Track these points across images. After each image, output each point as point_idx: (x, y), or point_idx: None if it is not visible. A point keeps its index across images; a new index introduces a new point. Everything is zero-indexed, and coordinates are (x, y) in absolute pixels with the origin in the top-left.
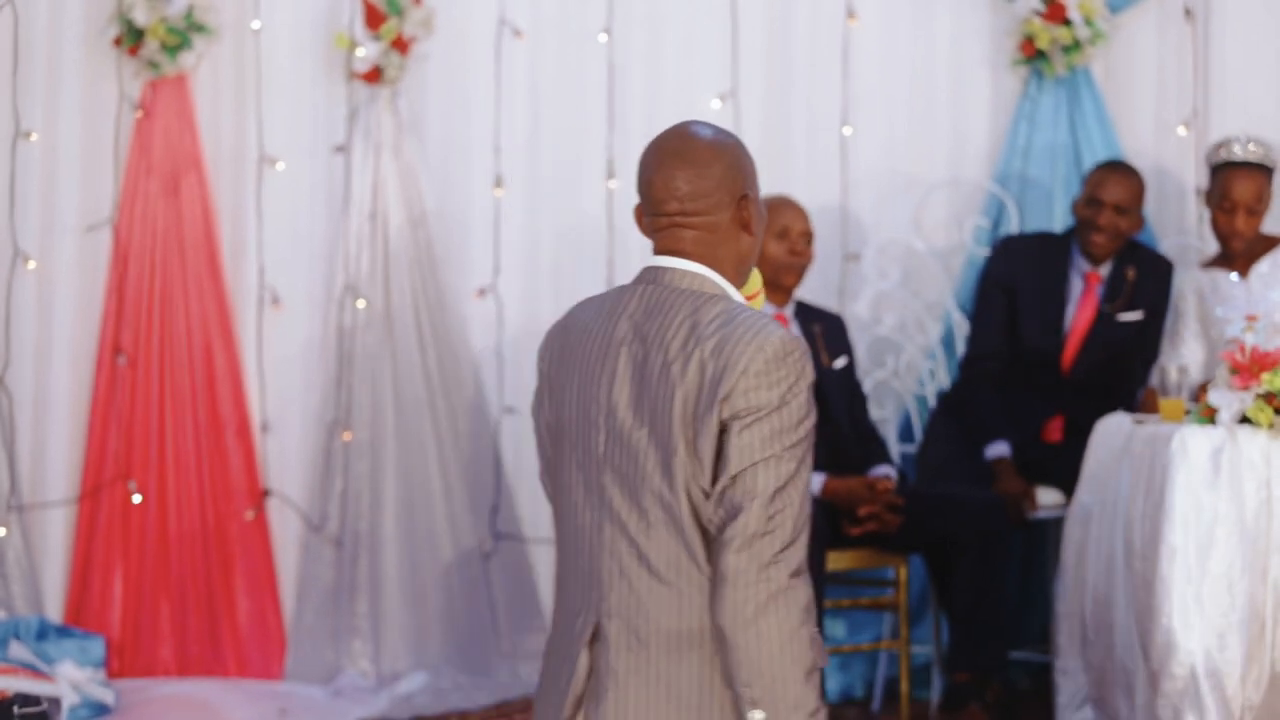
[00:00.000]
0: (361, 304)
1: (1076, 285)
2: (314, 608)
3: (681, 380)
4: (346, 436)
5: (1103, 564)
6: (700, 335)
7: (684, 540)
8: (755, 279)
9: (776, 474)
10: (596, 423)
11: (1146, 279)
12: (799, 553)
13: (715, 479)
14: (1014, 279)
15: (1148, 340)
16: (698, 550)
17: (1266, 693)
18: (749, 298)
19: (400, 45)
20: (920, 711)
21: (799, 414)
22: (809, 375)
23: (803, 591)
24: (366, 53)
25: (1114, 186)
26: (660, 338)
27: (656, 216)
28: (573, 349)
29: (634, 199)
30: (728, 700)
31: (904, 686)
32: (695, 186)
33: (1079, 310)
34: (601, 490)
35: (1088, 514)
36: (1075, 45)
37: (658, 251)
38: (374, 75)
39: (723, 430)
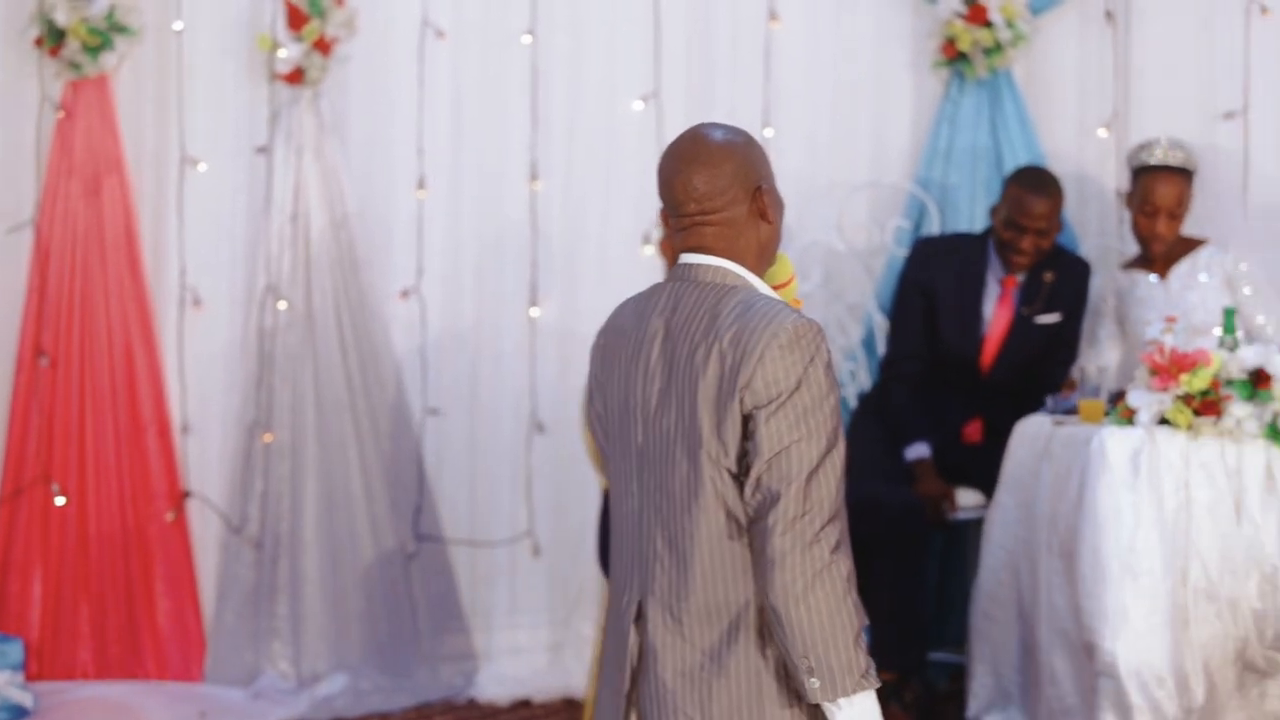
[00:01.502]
0: (283, 305)
1: (993, 289)
2: (234, 609)
3: (704, 369)
4: (267, 438)
5: (1023, 565)
6: (720, 325)
7: (711, 521)
8: (786, 267)
9: (808, 455)
10: (634, 416)
11: (1064, 281)
12: (837, 527)
13: (740, 462)
14: (932, 282)
15: (1065, 341)
16: (725, 529)
17: (1193, 684)
18: (780, 285)
19: (322, 46)
20: None
21: (819, 393)
22: (825, 355)
23: (844, 563)
24: (288, 54)
25: (1034, 209)
26: (685, 330)
27: (679, 217)
28: (613, 348)
29: (555, 199)
30: (762, 664)
31: None
32: (711, 186)
33: (996, 313)
34: (640, 478)
35: (1008, 515)
36: (996, 47)
37: (683, 249)
38: (296, 76)
39: (748, 418)
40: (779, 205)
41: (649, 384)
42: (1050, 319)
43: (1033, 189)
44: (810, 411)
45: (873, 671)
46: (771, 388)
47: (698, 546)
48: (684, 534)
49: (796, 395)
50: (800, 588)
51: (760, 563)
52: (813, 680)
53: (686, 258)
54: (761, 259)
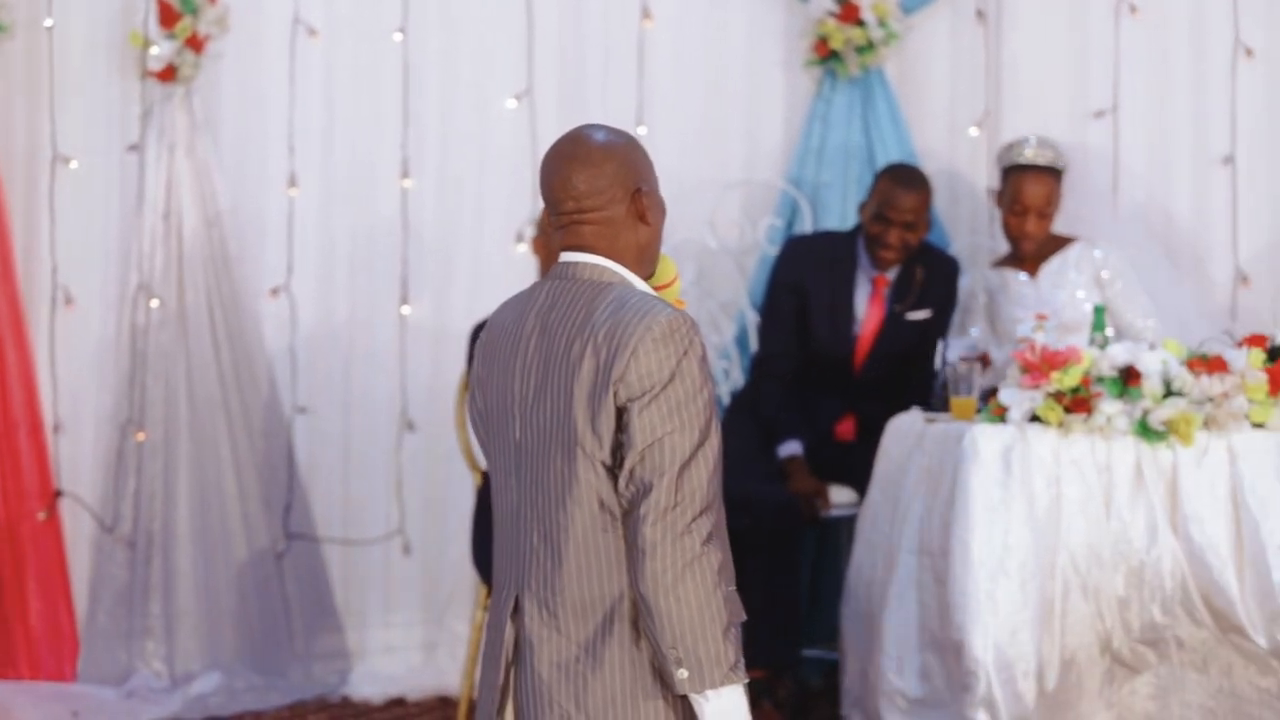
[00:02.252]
0: (155, 303)
1: (864, 287)
2: (106, 609)
3: (579, 364)
4: (140, 436)
5: (895, 562)
6: (595, 321)
7: (586, 515)
8: (669, 268)
9: (681, 447)
10: (512, 412)
11: (934, 278)
12: (710, 519)
13: (616, 456)
14: (803, 280)
15: (935, 338)
16: (599, 523)
17: (1057, 683)
18: (662, 286)
19: (195, 44)
20: None
21: (693, 386)
22: (699, 349)
23: (715, 556)
24: (161, 51)
25: (902, 203)
26: (561, 327)
27: (558, 215)
28: (493, 345)
29: (426, 196)
30: (637, 656)
31: None
32: (590, 185)
33: (869, 311)
34: (519, 474)
35: (880, 512)
36: (869, 46)
37: (562, 248)
38: (168, 74)
39: (622, 411)
40: (659, 208)
41: (526, 380)
42: (921, 315)
43: (901, 183)
44: (683, 404)
45: (741, 665)
46: (645, 380)
47: (573, 540)
48: (559, 528)
49: (670, 388)
50: (670, 578)
51: (632, 553)
52: (680, 671)
53: (565, 256)
54: (641, 260)
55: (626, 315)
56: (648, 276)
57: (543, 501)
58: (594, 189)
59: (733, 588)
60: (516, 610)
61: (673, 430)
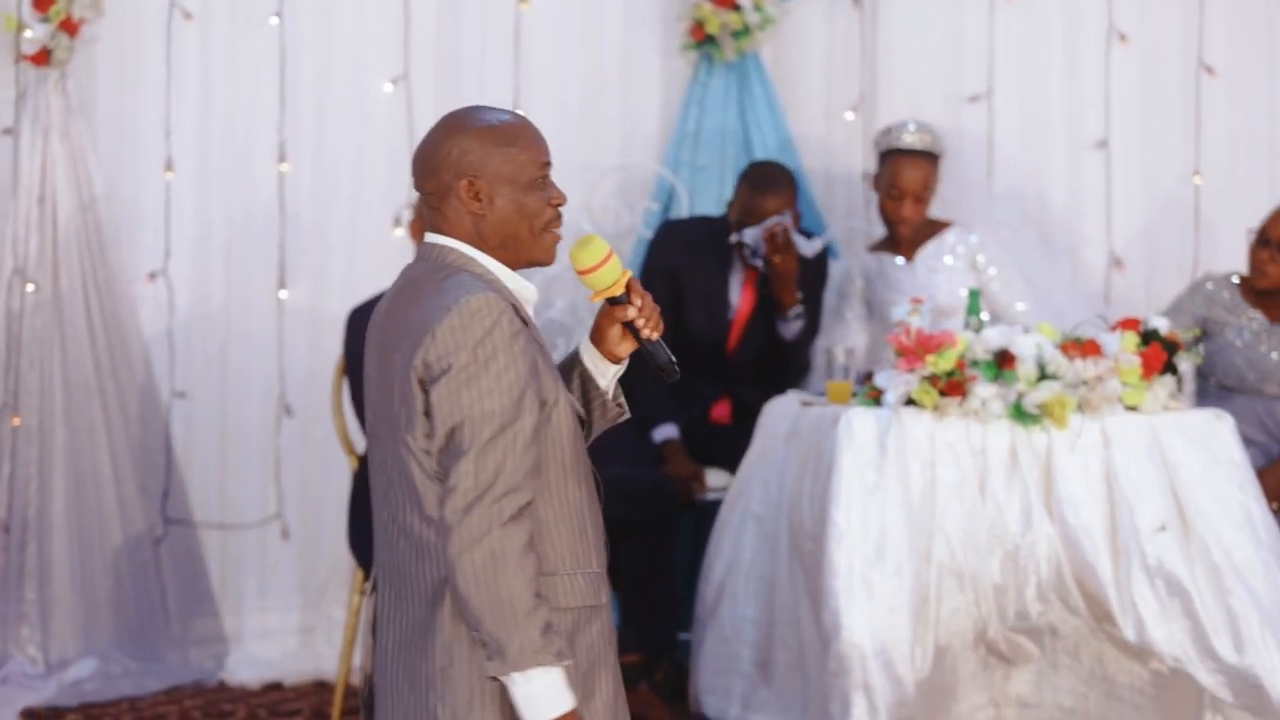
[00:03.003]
0: (30, 288)
1: (738, 271)
2: None
3: (397, 347)
4: (15, 421)
5: (767, 545)
6: (418, 304)
7: (416, 497)
8: (592, 251)
9: (481, 429)
10: (367, 397)
11: (803, 262)
12: (516, 498)
13: (430, 438)
14: (678, 266)
15: (807, 319)
16: (424, 504)
17: (932, 667)
18: (592, 268)
19: (69, 27)
20: None
21: (496, 367)
22: (505, 329)
23: (519, 535)
24: (35, 34)
25: (764, 208)
26: (398, 310)
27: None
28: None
29: (303, 181)
30: (456, 636)
31: None
32: (424, 165)
33: (742, 295)
34: (372, 456)
35: (753, 494)
36: (745, 30)
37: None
38: (42, 57)
39: (427, 392)
40: (510, 204)
41: (370, 363)
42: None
43: (760, 189)
44: (485, 385)
45: (554, 647)
46: (441, 361)
47: (407, 520)
48: (398, 507)
49: (469, 369)
50: (466, 560)
51: (439, 534)
52: (486, 654)
53: (426, 236)
54: (486, 245)
55: (437, 298)
56: (515, 263)
57: (385, 482)
58: (426, 170)
59: (600, 570)
60: (375, 588)
61: (474, 411)
